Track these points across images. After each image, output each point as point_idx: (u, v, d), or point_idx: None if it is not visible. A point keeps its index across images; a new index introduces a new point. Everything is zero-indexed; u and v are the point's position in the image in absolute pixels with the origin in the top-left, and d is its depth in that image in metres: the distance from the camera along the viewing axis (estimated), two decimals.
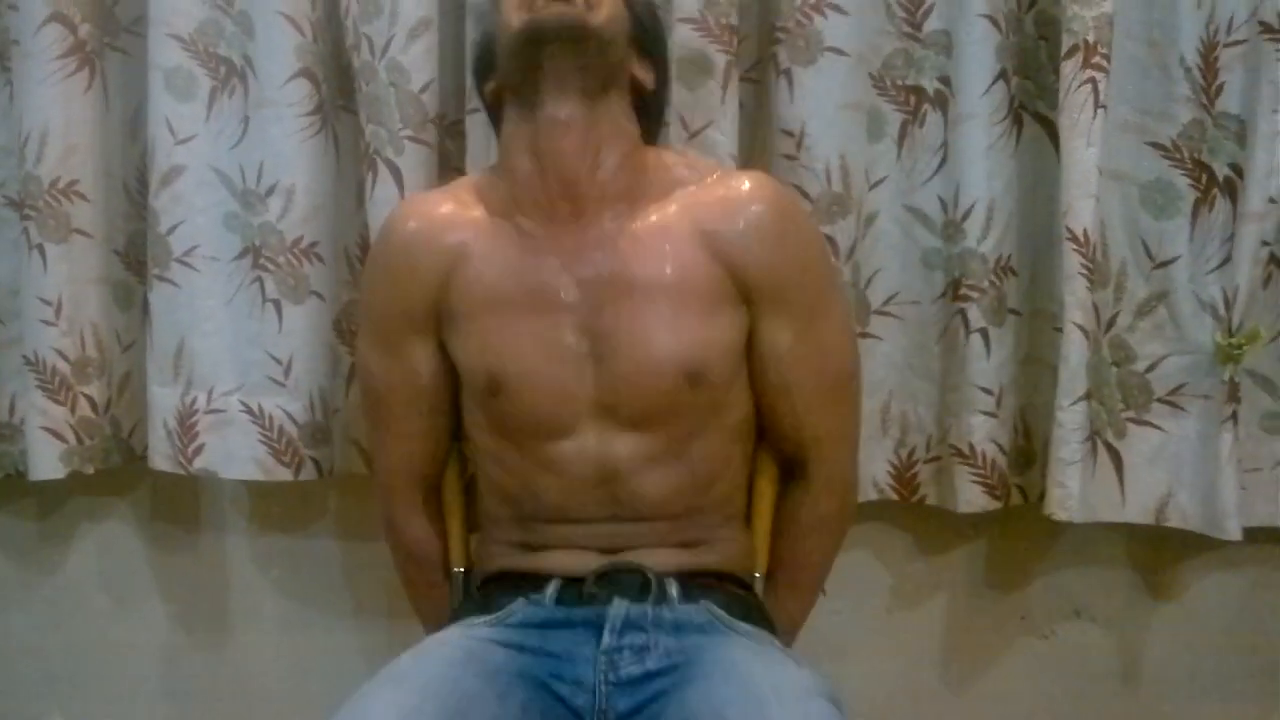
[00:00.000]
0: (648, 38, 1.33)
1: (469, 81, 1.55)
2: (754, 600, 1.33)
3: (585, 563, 1.26)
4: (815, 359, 1.30)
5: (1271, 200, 1.47)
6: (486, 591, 1.32)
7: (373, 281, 1.36)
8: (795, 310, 1.28)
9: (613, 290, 1.24)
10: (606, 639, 1.20)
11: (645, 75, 1.31)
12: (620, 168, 1.26)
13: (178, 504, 1.86)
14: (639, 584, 1.24)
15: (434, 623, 1.39)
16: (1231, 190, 1.51)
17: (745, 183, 1.29)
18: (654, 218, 1.26)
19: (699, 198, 1.27)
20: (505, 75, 1.27)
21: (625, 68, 1.28)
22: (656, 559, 1.27)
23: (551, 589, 1.25)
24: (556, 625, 1.23)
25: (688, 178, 1.29)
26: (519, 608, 1.25)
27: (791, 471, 1.36)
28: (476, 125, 1.57)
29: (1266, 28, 1.45)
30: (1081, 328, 1.51)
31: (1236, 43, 1.48)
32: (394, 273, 1.31)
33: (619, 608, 1.22)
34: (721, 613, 1.24)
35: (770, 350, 1.28)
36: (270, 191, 1.64)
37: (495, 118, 1.36)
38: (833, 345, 1.33)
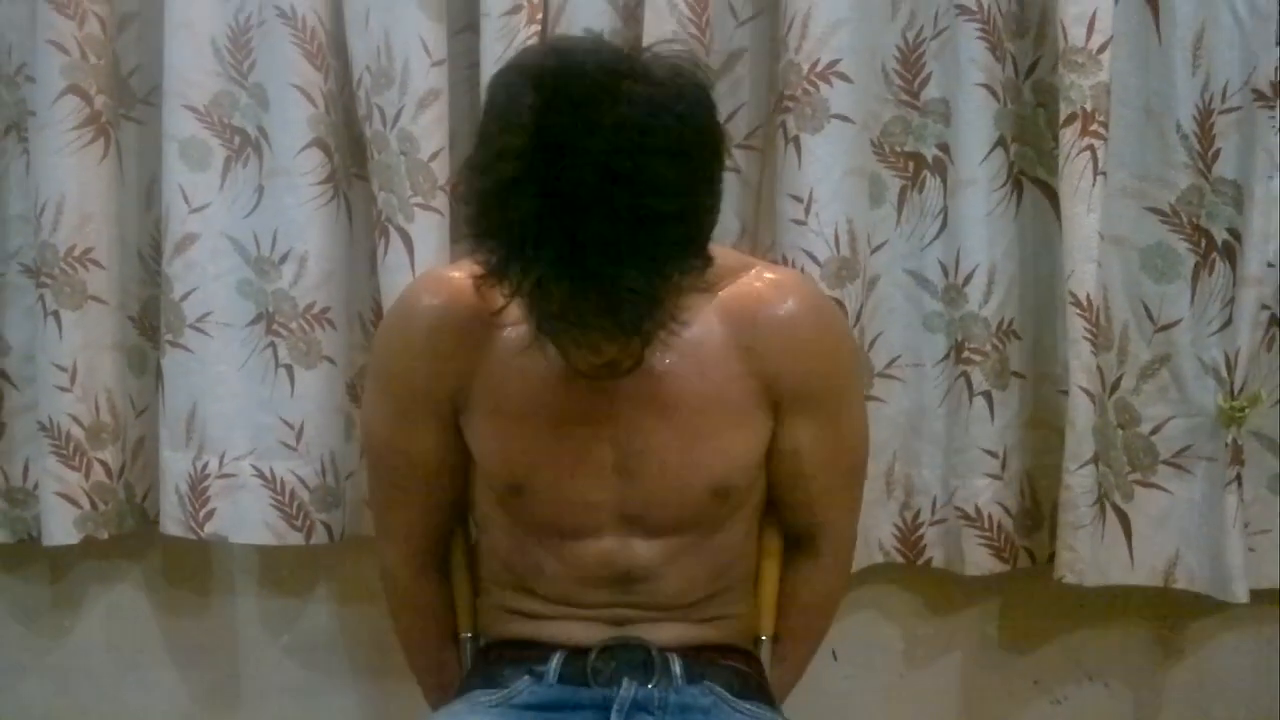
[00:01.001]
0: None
1: None
2: (756, 673, 1.32)
3: (590, 634, 1.25)
4: (835, 451, 1.29)
5: (1270, 264, 1.49)
6: (490, 661, 1.31)
7: (389, 354, 1.29)
8: (820, 409, 1.26)
9: (644, 406, 1.20)
10: None
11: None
12: None
13: (189, 568, 1.87)
14: (642, 661, 1.24)
15: (435, 687, 1.38)
16: (1230, 254, 1.53)
17: (778, 286, 1.24)
18: (688, 330, 1.16)
19: (734, 303, 1.22)
20: None
21: None
22: (663, 634, 1.26)
23: (555, 663, 1.24)
24: (563, 708, 1.22)
25: (719, 277, 1.20)
26: (524, 686, 1.24)
27: (797, 542, 1.36)
28: None
29: (1260, 95, 1.48)
30: (1087, 391, 1.53)
31: (1231, 110, 1.51)
32: (414, 350, 1.25)
33: (627, 689, 1.21)
34: (724, 693, 1.24)
35: (791, 445, 1.26)
36: (283, 258, 1.66)
37: None
38: (851, 437, 1.32)
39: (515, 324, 1.18)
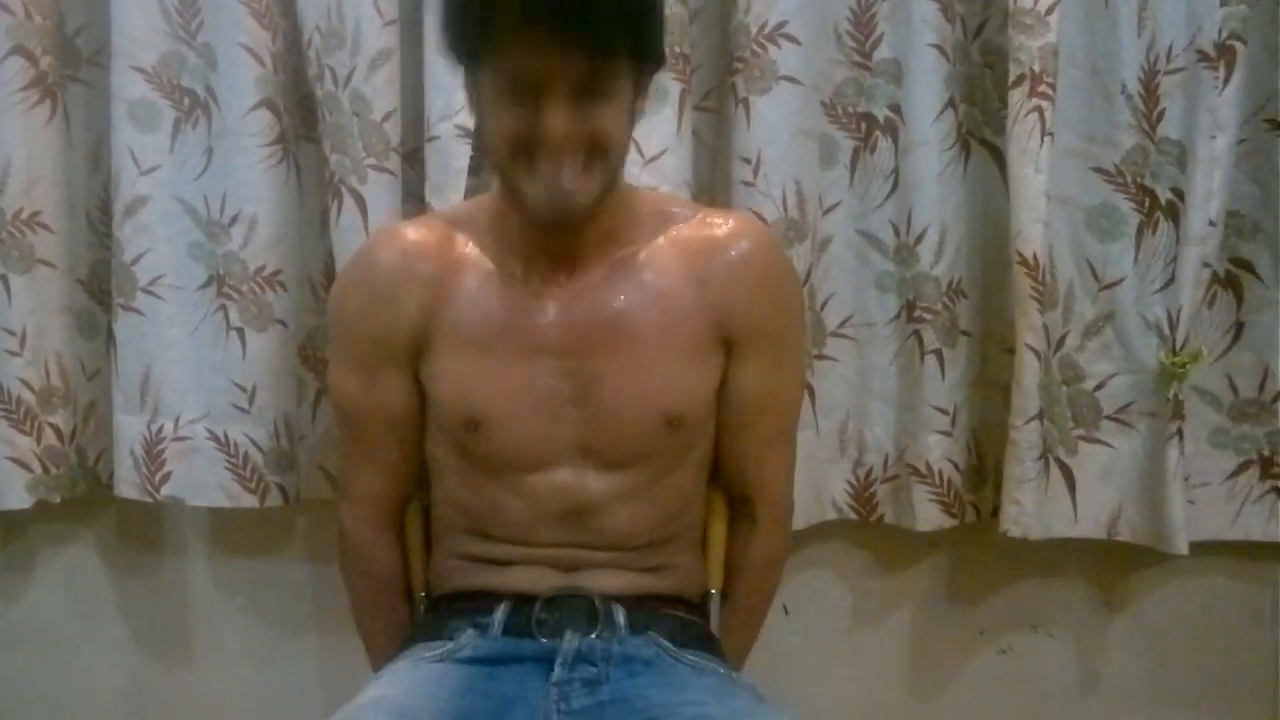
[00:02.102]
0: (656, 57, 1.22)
1: (429, 108, 1.58)
2: (701, 624, 1.34)
3: (539, 580, 1.27)
4: (773, 400, 1.33)
5: (1211, 223, 1.51)
6: (437, 614, 1.32)
7: (348, 307, 1.32)
8: (765, 353, 1.29)
9: (600, 338, 1.24)
10: (557, 672, 1.21)
11: (643, 105, 1.23)
12: (614, 214, 1.25)
13: (141, 531, 1.86)
14: (586, 612, 1.26)
15: (380, 650, 1.38)
16: (1174, 213, 1.55)
17: (733, 226, 1.29)
18: (645, 266, 1.26)
19: (688, 242, 1.27)
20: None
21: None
22: (610, 582, 1.28)
23: (500, 614, 1.26)
24: (506, 661, 1.23)
25: (675, 219, 1.29)
26: (469, 639, 1.25)
27: (737, 507, 1.38)
28: (436, 152, 1.60)
29: (1203, 56, 1.50)
30: (1033, 349, 1.55)
31: (1175, 70, 1.52)
32: (373, 300, 1.28)
33: (571, 641, 1.23)
34: (668, 644, 1.26)
35: (736, 389, 1.29)
36: (233, 221, 1.65)
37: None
38: (789, 386, 1.36)
39: (475, 265, 1.26)
